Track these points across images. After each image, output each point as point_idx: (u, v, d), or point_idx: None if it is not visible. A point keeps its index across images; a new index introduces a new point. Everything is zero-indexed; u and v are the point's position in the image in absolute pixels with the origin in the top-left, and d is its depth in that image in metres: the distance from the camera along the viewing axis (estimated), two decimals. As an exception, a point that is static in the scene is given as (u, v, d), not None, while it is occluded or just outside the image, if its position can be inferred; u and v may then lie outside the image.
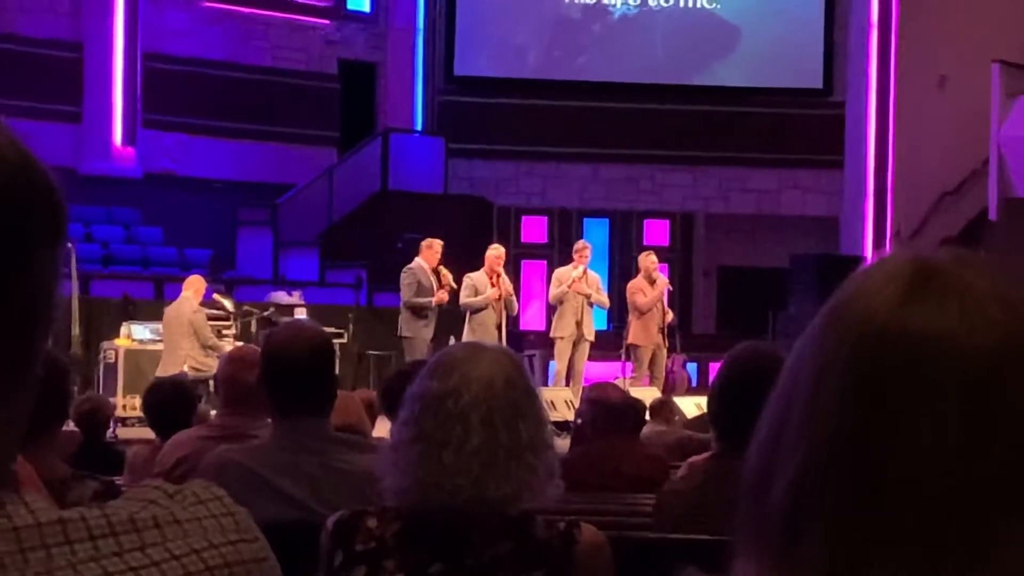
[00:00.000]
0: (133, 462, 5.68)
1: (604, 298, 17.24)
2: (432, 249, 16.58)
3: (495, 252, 16.57)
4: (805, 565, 1.12)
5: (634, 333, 17.35)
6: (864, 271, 1.18)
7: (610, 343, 18.07)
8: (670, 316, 17.44)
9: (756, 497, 1.17)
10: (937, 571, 1.09)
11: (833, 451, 1.12)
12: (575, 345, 16.66)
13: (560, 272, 17.27)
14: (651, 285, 17.36)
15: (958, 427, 1.10)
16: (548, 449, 3.00)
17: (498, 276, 16.34)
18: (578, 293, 16.65)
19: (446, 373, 2.93)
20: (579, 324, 16.62)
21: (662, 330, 17.26)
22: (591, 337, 16.78)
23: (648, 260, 17.76)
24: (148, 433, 14.04)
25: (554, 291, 16.99)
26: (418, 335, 16.11)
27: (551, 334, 16.85)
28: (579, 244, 17.34)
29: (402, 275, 16.49)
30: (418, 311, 16.20)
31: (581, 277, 16.80)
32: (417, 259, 16.57)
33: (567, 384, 16.60)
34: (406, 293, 16.29)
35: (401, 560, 2.91)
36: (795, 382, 1.16)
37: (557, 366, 16.78)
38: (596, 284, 17.18)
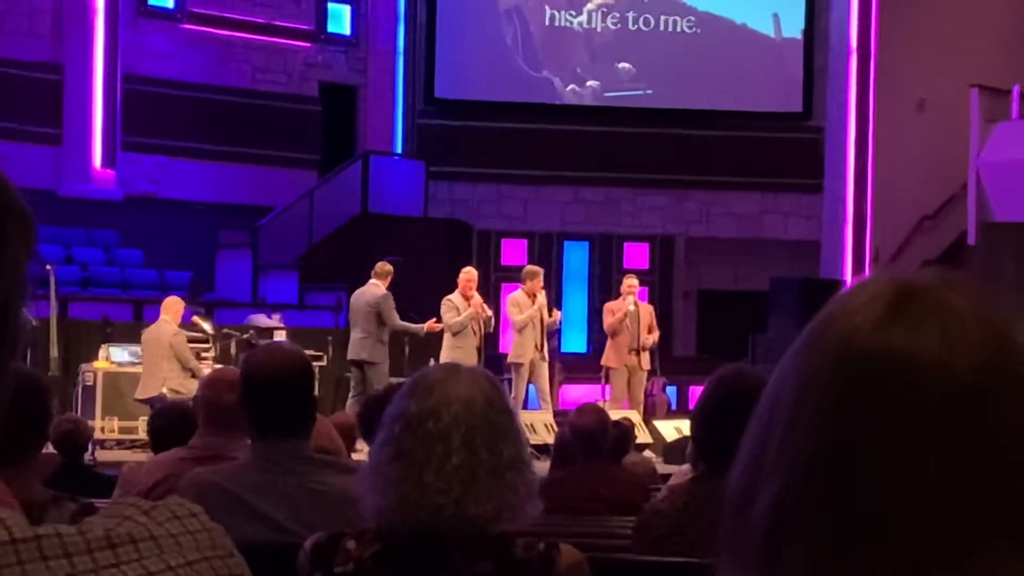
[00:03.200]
0: (128, 478, 5.66)
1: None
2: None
3: (467, 275, 16.61)
4: (786, 585, 1.11)
5: (606, 355, 17.45)
6: (846, 291, 1.18)
7: (587, 366, 18.06)
8: (652, 338, 17.40)
9: (738, 516, 1.16)
10: None
11: (814, 470, 1.11)
12: (536, 367, 16.69)
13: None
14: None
15: (939, 447, 1.09)
16: (527, 469, 3.00)
17: (470, 298, 16.37)
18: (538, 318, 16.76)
19: (425, 393, 2.93)
20: (538, 347, 16.67)
21: (635, 351, 17.23)
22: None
23: (625, 283, 17.87)
24: (127, 456, 14.05)
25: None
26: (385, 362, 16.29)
27: (512, 359, 16.74)
28: (530, 269, 17.36)
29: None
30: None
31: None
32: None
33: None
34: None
35: (380, 581, 2.90)
36: (777, 401, 1.16)
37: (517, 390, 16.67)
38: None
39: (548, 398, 16.89)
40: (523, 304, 16.64)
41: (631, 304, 17.33)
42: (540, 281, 16.90)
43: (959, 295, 1.15)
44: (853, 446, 1.11)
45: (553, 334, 17.48)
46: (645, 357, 17.33)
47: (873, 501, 1.10)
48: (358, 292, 16.65)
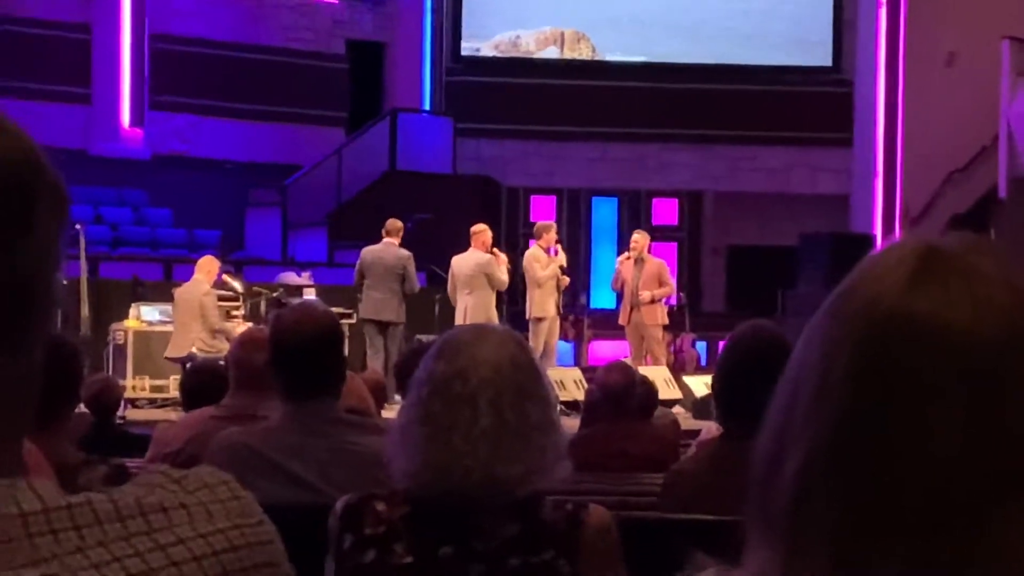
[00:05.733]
0: (160, 437, 5.69)
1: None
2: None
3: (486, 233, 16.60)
4: (813, 550, 1.12)
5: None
6: (872, 256, 1.18)
7: (616, 323, 18.02)
8: (658, 293, 17.25)
9: (765, 482, 1.17)
10: (940, 555, 1.09)
11: (840, 436, 1.12)
12: (550, 324, 16.71)
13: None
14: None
15: (964, 412, 1.10)
16: (556, 430, 3.00)
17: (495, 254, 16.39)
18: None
19: (452, 355, 2.94)
20: (556, 303, 16.73)
21: (634, 307, 17.19)
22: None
23: (632, 239, 17.85)
24: (158, 414, 14.12)
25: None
26: None
27: (535, 315, 16.66)
28: (543, 224, 17.32)
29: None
30: None
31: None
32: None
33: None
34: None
35: (410, 543, 2.91)
36: (803, 367, 1.16)
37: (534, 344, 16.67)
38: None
39: (554, 353, 16.96)
40: (542, 260, 16.63)
41: (620, 261, 17.30)
42: (554, 235, 16.89)
43: (985, 259, 1.15)
44: (879, 413, 1.11)
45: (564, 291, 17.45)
46: (652, 311, 17.14)
47: (898, 464, 1.10)
48: (377, 250, 16.46)
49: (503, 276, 16.18)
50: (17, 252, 1.18)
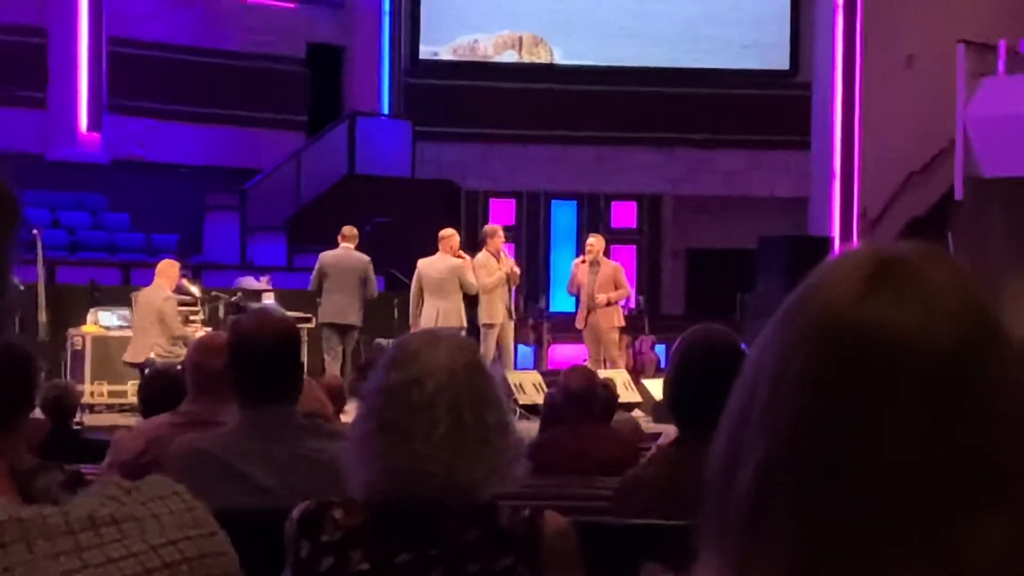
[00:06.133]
0: (118, 443, 5.66)
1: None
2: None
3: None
4: (768, 557, 1.12)
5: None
6: (826, 264, 1.18)
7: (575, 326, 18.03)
8: (612, 296, 17.22)
9: (720, 489, 1.17)
10: (899, 563, 1.09)
11: (794, 443, 1.12)
12: (504, 327, 16.71)
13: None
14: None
15: (919, 419, 1.10)
16: (513, 431, 3.02)
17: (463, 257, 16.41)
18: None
19: (406, 363, 2.94)
20: (507, 307, 16.71)
21: (590, 310, 17.20)
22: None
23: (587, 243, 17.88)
24: (116, 420, 14.06)
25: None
26: None
27: (485, 321, 16.58)
28: (490, 228, 17.28)
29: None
30: None
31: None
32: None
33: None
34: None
35: (368, 550, 2.90)
36: (758, 374, 1.16)
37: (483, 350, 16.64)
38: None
39: (511, 358, 16.99)
40: (489, 265, 16.60)
41: (576, 264, 17.34)
42: (501, 238, 16.86)
43: (938, 267, 1.15)
44: (833, 420, 1.11)
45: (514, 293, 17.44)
46: (608, 314, 17.15)
47: (854, 475, 1.10)
48: (337, 254, 16.45)
49: (473, 280, 16.20)
50: None
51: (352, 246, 16.47)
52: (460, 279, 16.01)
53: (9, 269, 1.23)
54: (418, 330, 3.15)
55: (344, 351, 16.18)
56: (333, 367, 15.81)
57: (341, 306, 16.21)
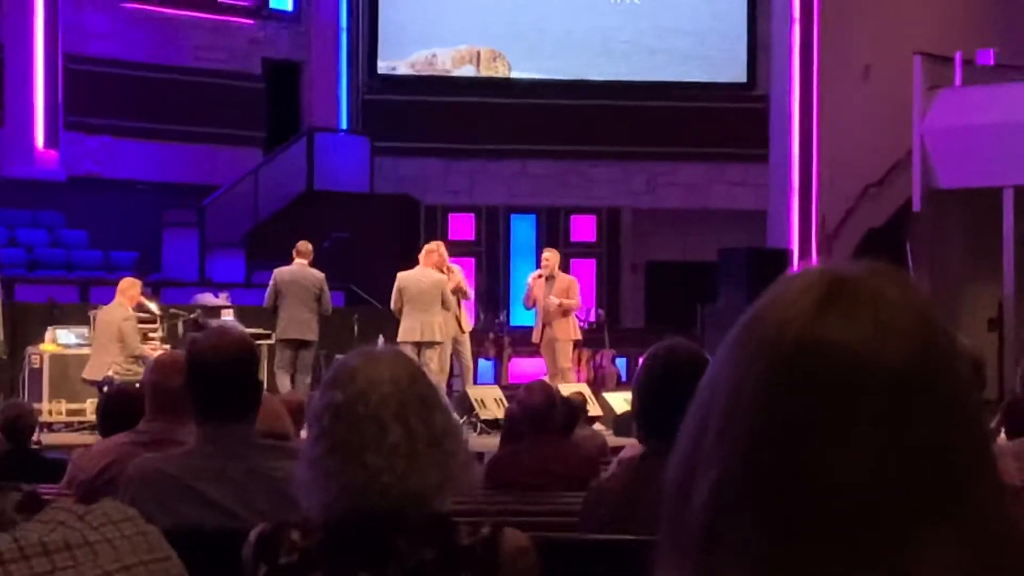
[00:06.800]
0: (77, 463, 5.63)
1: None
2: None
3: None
4: (726, 572, 1.12)
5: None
6: (779, 283, 1.18)
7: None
8: (565, 304, 17.24)
9: (677, 507, 1.17)
10: (856, 574, 1.09)
11: (750, 462, 1.12)
12: (460, 343, 16.70)
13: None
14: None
15: (873, 436, 1.10)
16: (460, 434, 3.06)
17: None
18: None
19: (349, 380, 2.95)
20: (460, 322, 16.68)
21: (545, 324, 17.22)
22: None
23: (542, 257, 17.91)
24: (74, 439, 13.99)
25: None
26: None
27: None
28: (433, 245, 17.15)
29: None
30: None
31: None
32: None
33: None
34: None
35: (326, 571, 2.90)
36: (713, 393, 1.16)
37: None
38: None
39: (471, 373, 17.04)
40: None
41: (532, 279, 17.36)
42: (435, 256, 16.62)
43: (889, 285, 1.16)
44: (788, 437, 1.11)
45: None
46: (563, 326, 17.14)
47: (809, 492, 1.10)
48: (292, 271, 16.40)
49: (451, 298, 16.25)
50: None
51: (306, 262, 16.44)
52: (443, 293, 16.03)
53: None
54: (353, 350, 3.14)
55: (296, 367, 16.17)
56: (284, 381, 15.83)
57: (297, 322, 16.19)
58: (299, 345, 16.23)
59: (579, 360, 18.91)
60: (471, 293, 17.31)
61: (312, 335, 16.23)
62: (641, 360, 4.39)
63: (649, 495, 3.81)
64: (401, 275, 16.27)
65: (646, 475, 4.10)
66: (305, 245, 16.57)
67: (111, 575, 1.20)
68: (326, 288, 16.32)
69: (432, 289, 16.00)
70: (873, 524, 1.10)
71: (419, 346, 15.62)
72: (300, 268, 16.39)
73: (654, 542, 1.20)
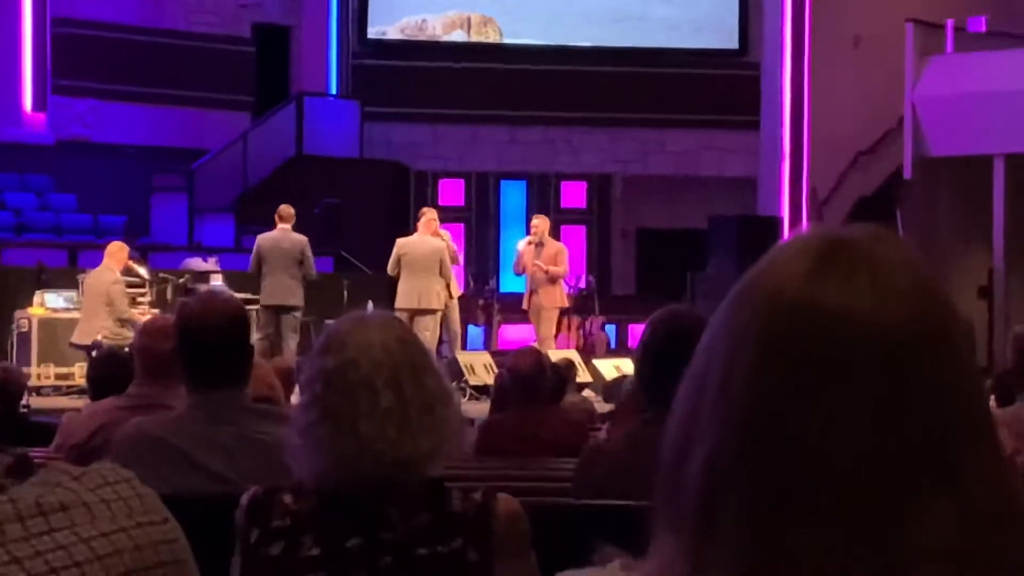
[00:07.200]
0: (67, 427, 5.63)
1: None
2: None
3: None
4: (722, 542, 1.11)
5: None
6: (775, 248, 1.18)
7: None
8: (552, 271, 17.27)
9: (673, 474, 1.16)
10: (852, 547, 1.09)
11: (746, 428, 1.11)
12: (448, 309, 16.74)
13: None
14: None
15: (870, 400, 1.09)
16: (453, 398, 3.04)
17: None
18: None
19: (339, 347, 2.94)
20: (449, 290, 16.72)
21: (532, 291, 17.30)
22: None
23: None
24: (63, 402, 13.99)
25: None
26: None
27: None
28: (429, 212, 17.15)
29: None
30: None
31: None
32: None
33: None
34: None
35: (318, 535, 2.89)
36: (709, 359, 1.16)
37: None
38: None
39: (458, 340, 17.13)
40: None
41: (522, 245, 17.40)
42: (435, 223, 16.64)
43: (887, 248, 1.15)
44: (785, 402, 1.10)
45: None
46: (550, 293, 17.16)
47: (806, 458, 1.09)
48: (274, 236, 16.39)
49: (449, 265, 16.28)
50: None
51: (289, 226, 16.42)
52: (442, 260, 16.07)
53: None
54: (343, 316, 3.12)
55: (281, 331, 16.15)
56: (260, 346, 15.84)
57: (281, 288, 16.17)
58: (280, 310, 16.22)
59: (569, 327, 18.92)
60: (460, 259, 17.32)
61: (295, 300, 16.21)
62: (642, 325, 4.39)
63: (648, 461, 3.81)
64: (401, 240, 16.33)
65: (646, 440, 4.10)
66: (287, 209, 16.54)
67: (108, 536, 1.19)
68: (308, 252, 16.28)
69: (432, 256, 16.04)
70: (870, 493, 1.09)
71: (414, 313, 15.64)
72: (282, 233, 16.37)
73: (649, 508, 1.20)
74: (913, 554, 1.08)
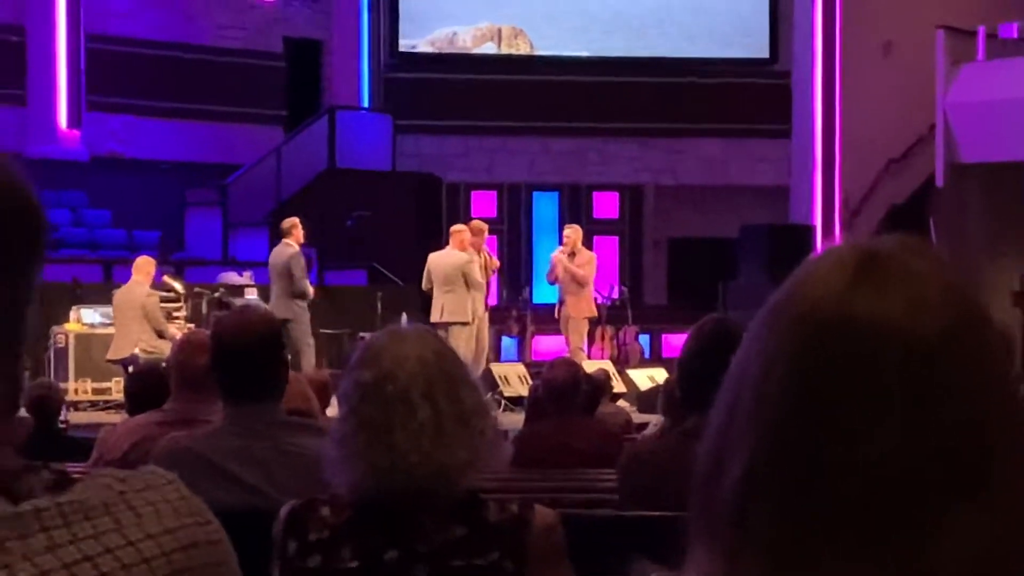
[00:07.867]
0: (104, 441, 5.66)
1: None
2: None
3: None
4: (755, 552, 1.12)
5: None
6: (810, 260, 1.18)
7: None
8: (578, 274, 17.25)
9: (708, 485, 1.17)
10: (883, 557, 1.09)
11: (781, 440, 1.12)
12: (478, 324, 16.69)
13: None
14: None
15: (903, 413, 1.10)
16: (489, 413, 3.05)
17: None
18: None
19: (375, 360, 2.95)
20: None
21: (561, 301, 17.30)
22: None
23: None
24: (100, 417, 14.04)
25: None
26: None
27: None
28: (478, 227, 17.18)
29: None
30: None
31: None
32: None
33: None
34: None
35: (356, 548, 2.91)
36: (744, 371, 1.16)
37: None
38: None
39: (484, 353, 17.02)
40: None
41: (556, 255, 17.37)
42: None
43: (921, 260, 1.16)
44: (819, 415, 1.11)
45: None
46: (577, 303, 17.11)
47: (840, 469, 1.10)
48: (274, 251, 16.53)
49: (479, 277, 16.23)
50: (19, 288, 1.21)
51: (289, 240, 16.42)
52: (466, 275, 16.05)
53: (32, 294, 1.27)
54: (380, 329, 3.12)
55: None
56: None
57: (273, 303, 16.03)
58: None
59: (603, 337, 18.91)
60: (493, 272, 17.27)
61: (280, 314, 15.94)
62: (683, 336, 4.40)
63: (687, 472, 3.81)
64: (430, 256, 16.38)
65: (687, 448, 4.11)
66: (287, 222, 16.57)
67: (155, 538, 1.21)
68: (295, 265, 16.17)
69: (452, 270, 16.03)
70: (902, 504, 1.10)
71: (442, 326, 15.62)
72: (279, 247, 16.45)
73: (683, 519, 1.21)
74: (944, 566, 1.09)
